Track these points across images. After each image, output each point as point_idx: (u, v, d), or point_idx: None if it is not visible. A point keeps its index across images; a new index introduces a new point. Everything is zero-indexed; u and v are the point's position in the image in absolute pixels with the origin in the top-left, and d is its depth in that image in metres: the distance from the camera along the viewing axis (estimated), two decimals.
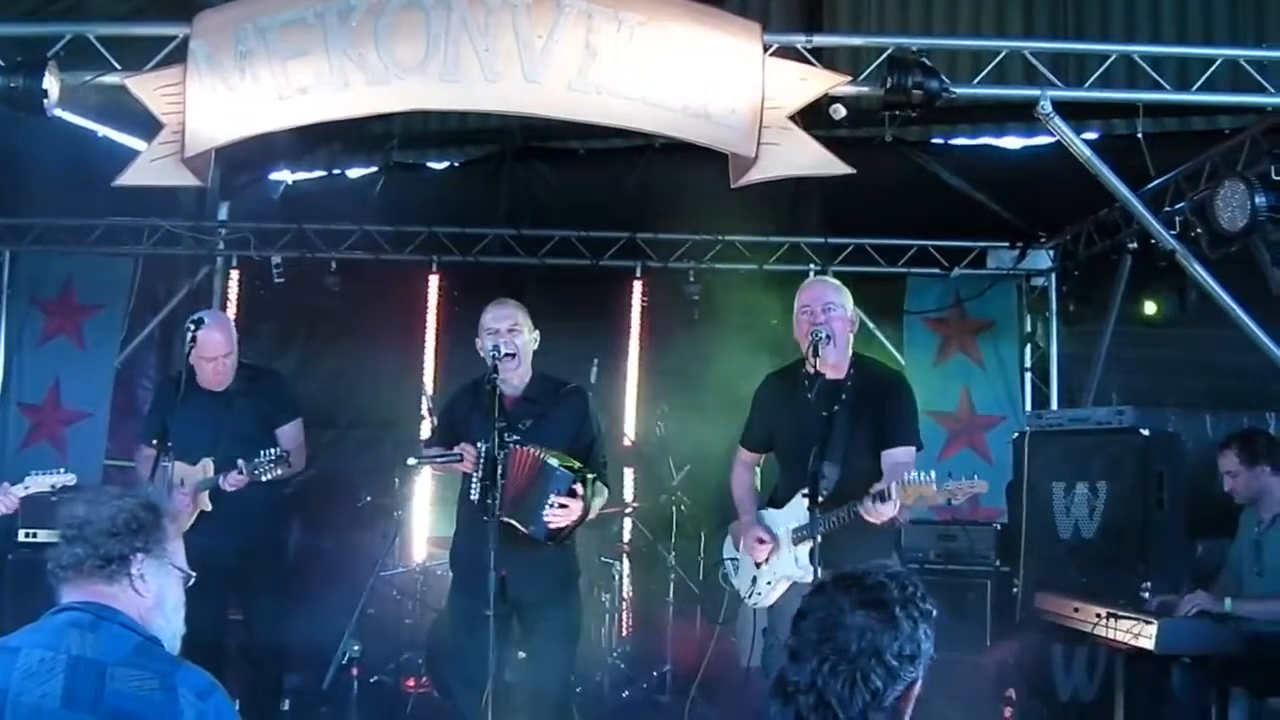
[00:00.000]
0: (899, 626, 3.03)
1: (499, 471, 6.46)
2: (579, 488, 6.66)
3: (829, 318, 6.37)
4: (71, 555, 3.45)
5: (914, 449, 6.48)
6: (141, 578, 3.49)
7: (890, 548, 6.56)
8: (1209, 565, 9.55)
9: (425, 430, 7.80)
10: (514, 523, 6.60)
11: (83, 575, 3.44)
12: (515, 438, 6.61)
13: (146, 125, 7.67)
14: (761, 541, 6.55)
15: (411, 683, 9.75)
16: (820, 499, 6.03)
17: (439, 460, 7.01)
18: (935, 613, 3.16)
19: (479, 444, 6.67)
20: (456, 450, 6.78)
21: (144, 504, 3.57)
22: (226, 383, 7.67)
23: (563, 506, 6.59)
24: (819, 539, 5.98)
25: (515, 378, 6.83)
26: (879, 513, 6.02)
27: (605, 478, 7.01)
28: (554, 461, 6.62)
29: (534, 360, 7.02)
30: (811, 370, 6.33)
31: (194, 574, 3.69)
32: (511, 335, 6.81)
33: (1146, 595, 7.58)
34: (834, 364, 6.43)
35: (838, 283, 6.73)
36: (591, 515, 6.94)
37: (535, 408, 6.85)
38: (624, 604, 10.89)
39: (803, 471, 6.13)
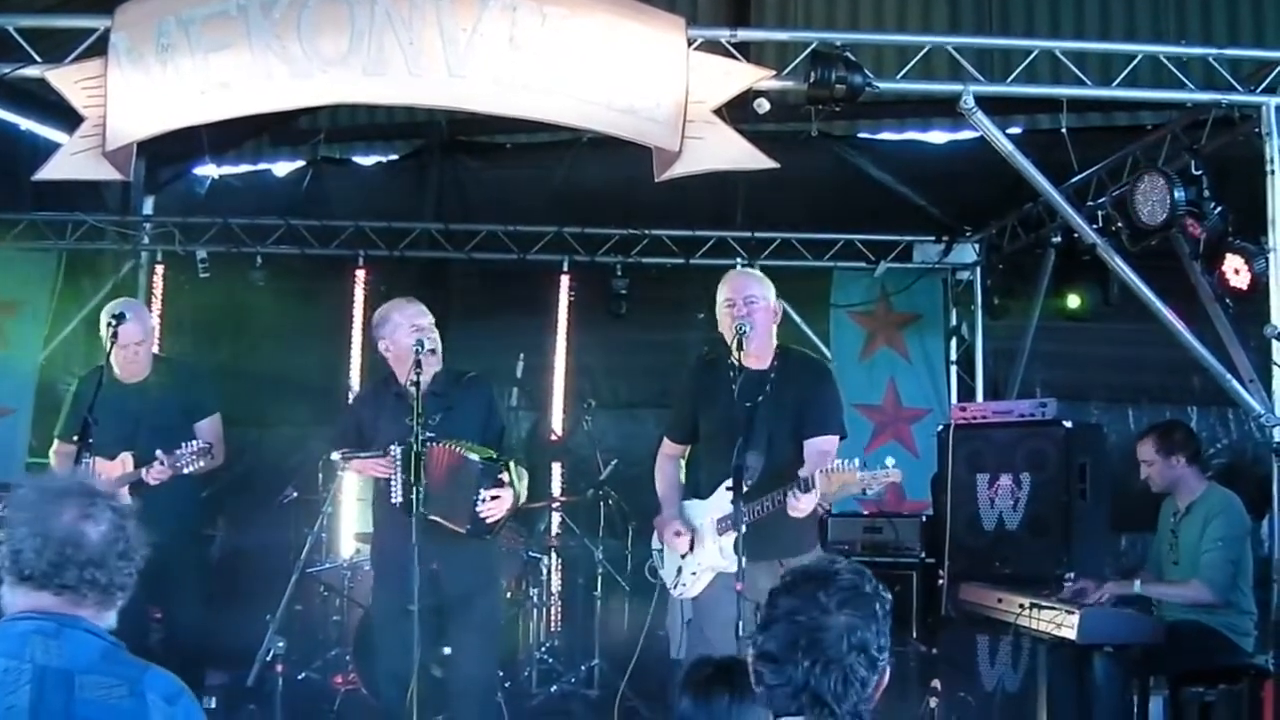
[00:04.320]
0: (879, 621, 3.18)
1: (421, 469, 6.47)
2: (505, 476, 6.70)
3: (751, 309, 6.40)
4: (79, 577, 3.27)
5: (837, 438, 6.51)
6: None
7: (815, 535, 6.60)
8: (1133, 559, 9.67)
9: None
10: (442, 520, 6.61)
11: (89, 600, 3.30)
12: (430, 434, 6.61)
13: (70, 118, 7.59)
14: (679, 535, 6.58)
15: (339, 679, 9.67)
16: (744, 489, 6.04)
17: (363, 457, 6.99)
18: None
19: (394, 446, 6.68)
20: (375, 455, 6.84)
21: (124, 512, 3.43)
22: (141, 374, 7.63)
23: (495, 498, 6.63)
24: (743, 529, 5.99)
25: (427, 373, 6.82)
26: (800, 503, 6.05)
27: (521, 460, 7.04)
28: (474, 456, 6.63)
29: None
30: (736, 362, 6.36)
31: None
32: (432, 330, 6.85)
33: (1067, 584, 7.66)
34: (757, 355, 6.46)
35: (759, 274, 6.78)
36: (522, 499, 7.01)
37: (442, 401, 6.88)
38: (551, 599, 10.89)
39: (726, 462, 6.13)
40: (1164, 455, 7.69)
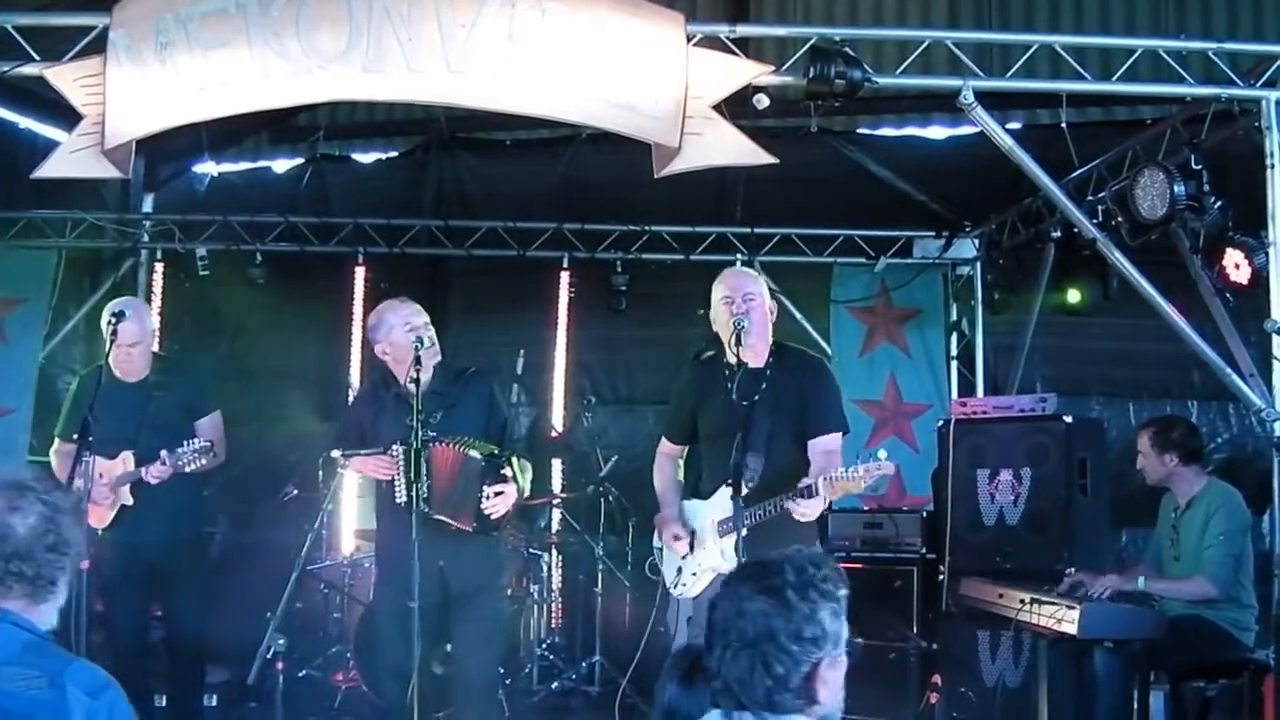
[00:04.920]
0: (793, 609, 3.08)
1: (425, 467, 6.49)
2: (507, 471, 6.71)
3: (749, 307, 6.37)
4: (4, 569, 3.30)
5: (841, 435, 6.50)
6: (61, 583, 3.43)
7: (815, 537, 6.57)
8: (1134, 554, 9.65)
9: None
10: (447, 519, 6.62)
11: (15, 592, 3.32)
12: (432, 433, 6.62)
13: (69, 116, 7.57)
14: (678, 539, 6.57)
15: (340, 677, 9.68)
16: (745, 489, 6.01)
17: (364, 455, 6.98)
18: (844, 593, 3.20)
19: (395, 447, 6.69)
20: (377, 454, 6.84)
21: (57, 506, 3.43)
22: (140, 373, 7.62)
23: (498, 494, 6.64)
24: (744, 531, 5.97)
25: (427, 369, 6.82)
26: (806, 509, 6.02)
27: (524, 453, 7.05)
28: (475, 453, 6.64)
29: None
30: (733, 360, 6.35)
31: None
32: (428, 328, 6.86)
33: (1067, 578, 7.66)
34: (755, 352, 6.44)
35: (754, 272, 6.81)
36: (526, 492, 7.03)
37: (443, 399, 6.90)
38: (552, 595, 10.89)
39: (726, 462, 6.09)
40: (1157, 451, 7.71)
